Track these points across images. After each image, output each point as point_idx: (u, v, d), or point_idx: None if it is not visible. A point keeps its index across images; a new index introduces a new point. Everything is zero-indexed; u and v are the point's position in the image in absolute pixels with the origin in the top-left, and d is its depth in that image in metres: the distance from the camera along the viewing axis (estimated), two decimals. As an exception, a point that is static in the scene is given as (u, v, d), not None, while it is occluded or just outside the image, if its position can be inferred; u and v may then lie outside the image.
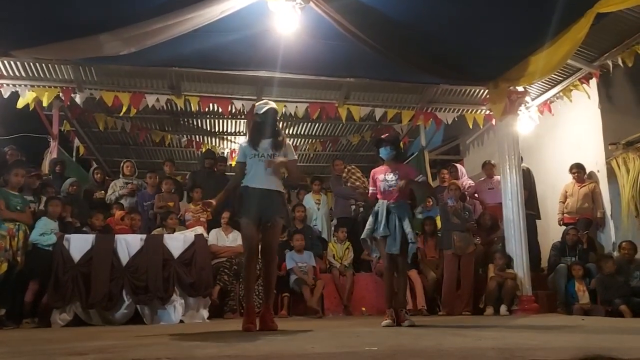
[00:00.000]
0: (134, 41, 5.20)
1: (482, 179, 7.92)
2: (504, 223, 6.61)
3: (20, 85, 6.56)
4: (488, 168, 7.67)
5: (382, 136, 4.95)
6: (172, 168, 8.12)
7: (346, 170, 7.97)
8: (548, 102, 7.55)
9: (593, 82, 6.92)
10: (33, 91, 6.60)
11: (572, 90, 7.05)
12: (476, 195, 7.79)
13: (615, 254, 6.51)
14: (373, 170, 4.68)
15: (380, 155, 4.63)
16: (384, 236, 4.35)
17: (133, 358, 2.21)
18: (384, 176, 4.50)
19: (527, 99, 7.32)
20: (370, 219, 4.48)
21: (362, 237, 4.54)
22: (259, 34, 5.49)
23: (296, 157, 4.43)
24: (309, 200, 7.93)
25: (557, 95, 7.36)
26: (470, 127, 8.14)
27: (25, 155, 7.05)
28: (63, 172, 7.39)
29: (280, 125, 9.04)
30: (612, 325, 4.30)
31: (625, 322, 5.02)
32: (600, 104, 6.98)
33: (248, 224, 4.03)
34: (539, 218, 7.47)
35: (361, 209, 7.75)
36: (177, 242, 5.71)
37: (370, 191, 4.67)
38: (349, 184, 7.85)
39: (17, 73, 6.43)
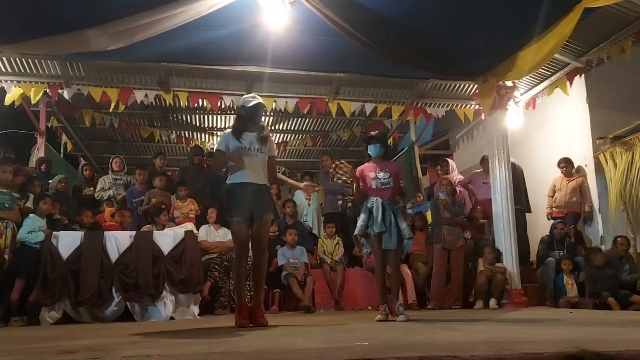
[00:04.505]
0: (122, 36, 5.14)
1: (479, 171, 7.92)
2: (493, 218, 6.65)
3: (7, 82, 6.48)
4: (486, 163, 7.56)
5: (372, 133, 5.00)
6: (163, 162, 8.03)
7: (334, 165, 7.98)
8: (536, 97, 7.60)
9: (581, 77, 6.97)
10: (20, 87, 6.53)
11: (556, 87, 7.10)
12: (470, 185, 7.81)
13: (604, 247, 6.59)
14: (360, 168, 4.66)
15: (369, 152, 4.63)
16: (380, 233, 4.33)
17: (124, 356, 2.20)
18: (375, 174, 4.50)
19: (517, 94, 7.38)
20: (363, 216, 4.44)
21: (355, 234, 4.51)
22: (249, 29, 5.47)
23: (276, 154, 4.43)
24: (300, 196, 7.92)
25: (544, 91, 7.41)
26: (463, 122, 8.18)
27: (13, 152, 6.97)
28: (49, 171, 7.32)
29: (270, 121, 9.04)
30: (600, 318, 4.35)
31: (613, 315, 5.08)
32: (588, 99, 7.04)
33: (240, 223, 3.99)
34: (529, 212, 7.52)
35: (349, 204, 7.77)
36: (167, 238, 5.68)
37: (361, 186, 4.65)
38: (335, 179, 7.87)
39: (3, 69, 6.35)
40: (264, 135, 4.19)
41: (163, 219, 6.26)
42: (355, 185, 4.68)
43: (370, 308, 6.54)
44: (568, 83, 6.94)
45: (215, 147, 9.48)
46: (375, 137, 4.72)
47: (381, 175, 4.48)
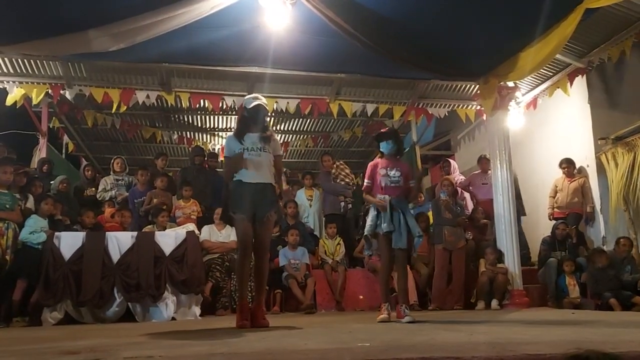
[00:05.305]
0: (123, 37, 5.15)
1: (477, 172, 7.93)
2: (494, 218, 6.64)
3: (8, 82, 6.49)
4: (484, 163, 7.67)
5: (382, 130, 4.97)
6: (164, 162, 8.01)
7: (335, 166, 7.97)
8: (537, 97, 7.59)
9: (582, 77, 6.96)
10: (21, 88, 6.54)
11: (557, 88, 7.10)
12: (470, 187, 7.82)
13: (605, 247, 6.57)
14: (372, 163, 4.61)
15: (381, 149, 4.59)
16: (388, 232, 4.31)
17: (125, 356, 2.20)
18: (386, 171, 4.46)
19: (518, 94, 7.37)
20: (372, 215, 4.40)
21: (365, 233, 4.47)
22: (250, 30, 5.47)
23: (282, 153, 4.41)
24: (301, 196, 7.92)
25: (545, 91, 7.41)
26: (464, 122, 8.18)
27: (15, 153, 6.97)
28: (50, 171, 7.33)
29: (271, 121, 9.04)
30: (602, 319, 4.34)
31: (615, 315, 5.07)
32: (589, 99, 7.03)
33: (243, 221, 3.99)
34: (524, 214, 7.54)
35: (349, 206, 7.77)
36: (168, 239, 5.69)
37: (365, 184, 4.61)
38: (338, 180, 7.86)
39: (5, 69, 6.35)
40: (266, 135, 4.19)
41: (161, 220, 6.26)
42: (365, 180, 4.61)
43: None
44: (569, 83, 6.95)
45: (216, 148, 9.65)
46: (386, 134, 4.67)
47: (392, 172, 4.44)
